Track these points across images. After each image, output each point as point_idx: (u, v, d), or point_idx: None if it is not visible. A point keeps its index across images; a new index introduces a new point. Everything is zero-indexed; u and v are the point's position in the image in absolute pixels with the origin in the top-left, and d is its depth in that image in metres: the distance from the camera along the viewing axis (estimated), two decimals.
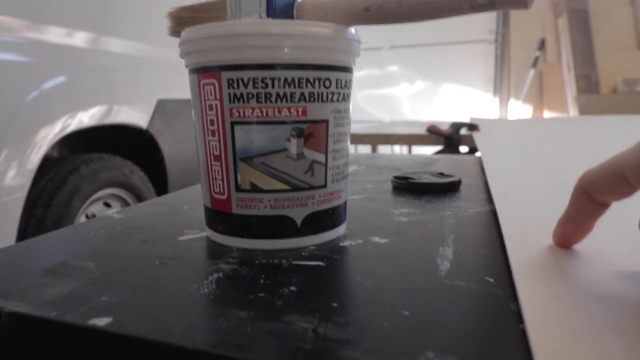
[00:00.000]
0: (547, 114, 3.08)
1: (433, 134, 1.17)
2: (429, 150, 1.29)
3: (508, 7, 0.21)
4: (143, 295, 0.21)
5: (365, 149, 1.41)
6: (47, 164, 1.19)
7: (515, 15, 3.22)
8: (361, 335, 0.17)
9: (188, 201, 0.41)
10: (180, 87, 1.52)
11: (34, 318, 0.19)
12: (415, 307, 0.19)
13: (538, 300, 0.19)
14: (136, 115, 1.40)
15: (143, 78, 1.44)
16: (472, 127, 1.16)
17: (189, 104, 0.30)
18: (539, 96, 3.16)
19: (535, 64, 3.14)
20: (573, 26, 2.97)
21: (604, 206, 0.22)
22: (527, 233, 0.27)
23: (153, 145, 1.49)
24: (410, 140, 1.23)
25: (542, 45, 3.16)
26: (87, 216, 1.30)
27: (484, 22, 3.42)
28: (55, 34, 1.13)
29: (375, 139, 1.27)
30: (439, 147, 1.19)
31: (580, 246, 0.25)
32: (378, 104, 3.75)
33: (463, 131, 1.16)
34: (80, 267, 0.24)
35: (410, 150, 1.42)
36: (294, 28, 0.24)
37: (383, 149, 1.38)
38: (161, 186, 1.56)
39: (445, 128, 1.18)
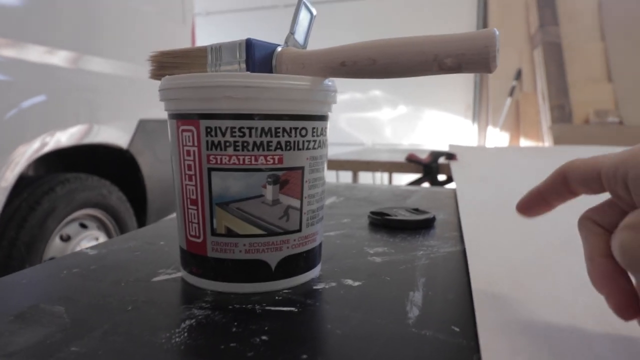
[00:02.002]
0: (523, 142, 3.17)
1: (412, 162, 1.19)
2: (408, 177, 1.31)
3: (473, 72, 0.23)
4: (114, 344, 0.21)
5: (346, 175, 1.42)
6: (22, 183, 1.16)
7: None
8: None
9: (164, 235, 0.40)
10: (163, 107, 1.52)
11: None
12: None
13: (498, 356, 0.19)
14: (117, 135, 1.39)
15: (125, 97, 1.44)
16: (450, 156, 1.19)
17: None
18: (516, 124, 3.26)
19: (512, 93, 3.24)
20: (548, 58, 3.10)
21: (572, 194, 0.23)
22: (494, 280, 0.28)
23: (133, 165, 1.47)
24: (390, 167, 1.25)
25: (518, 75, 3.28)
26: (61, 237, 1.27)
27: None
28: (35, 53, 1.13)
29: (356, 166, 1.29)
30: (418, 175, 1.21)
31: (544, 295, 0.26)
32: (360, 127, 3.81)
33: (441, 160, 1.18)
34: (50, 312, 0.24)
35: (390, 177, 1.44)
36: (271, 81, 0.25)
37: (364, 175, 1.40)
38: (140, 207, 1.53)
39: (424, 157, 1.21)
